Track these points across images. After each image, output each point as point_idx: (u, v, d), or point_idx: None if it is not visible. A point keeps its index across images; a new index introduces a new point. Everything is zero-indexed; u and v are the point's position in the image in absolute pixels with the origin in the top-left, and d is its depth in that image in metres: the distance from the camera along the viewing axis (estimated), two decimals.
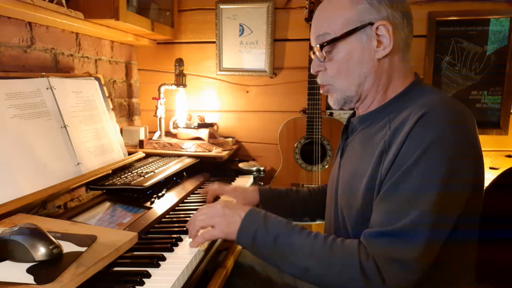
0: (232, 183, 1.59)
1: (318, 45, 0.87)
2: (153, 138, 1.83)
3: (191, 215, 1.01)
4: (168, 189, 1.37)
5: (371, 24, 0.83)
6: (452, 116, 0.76)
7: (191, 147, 1.75)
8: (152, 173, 1.38)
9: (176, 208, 1.25)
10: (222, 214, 0.89)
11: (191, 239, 0.97)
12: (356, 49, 0.85)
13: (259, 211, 0.88)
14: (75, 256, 0.74)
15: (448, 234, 0.77)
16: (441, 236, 0.75)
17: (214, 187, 1.25)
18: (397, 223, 0.73)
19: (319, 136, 1.78)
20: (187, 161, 1.61)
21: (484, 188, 0.87)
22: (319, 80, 0.94)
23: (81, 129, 1.30)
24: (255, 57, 1.98)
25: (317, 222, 1.21)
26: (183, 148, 1.74)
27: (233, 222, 0.86)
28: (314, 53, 0.90)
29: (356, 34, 0.84)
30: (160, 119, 1.86)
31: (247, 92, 2.05)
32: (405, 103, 0.84)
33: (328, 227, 1.03)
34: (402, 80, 0.88)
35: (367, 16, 0.83)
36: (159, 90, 1.85)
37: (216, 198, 1.31)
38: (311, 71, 0.94)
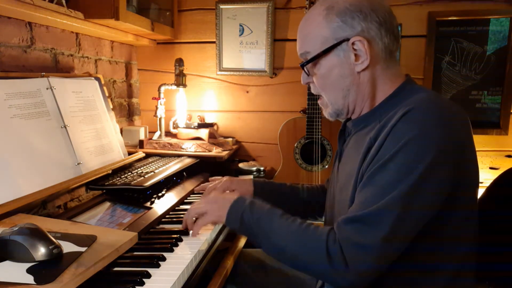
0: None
1: (300, 64, 0.92)
2: (153, 138, 1.83)
3: None
4: (168, 189, 1.37)
5: (347, 40, 0.85)
6: (436, 113, 0.77)
7: (191, 147, 1.75)
8: (152, 173, 1.38)
9: (176, 208, 1.25)
10: (214, 201, 0.98)
11: (190, 239, 0.99)
12: (335, 65, 0.88)
13: (247, 197, 0.95)
14: (75, 256, 0.74)
15: (441, 230, 0.78)
16: (407, 228, 0.75)
17: (209, 185, 1.22)
18: (365, 209, 0.75)
19: (319, 136, 1.78)
20: (187, 161, 1.61)
21: (482, 187, 0.86)
22: (312, 90, 0.98)
23: (81, 129, 1.30)
24: (255, 57, 1.98)
25: (319, 221, 1.21)
26: (183, 148, 1.74)
27: (223, 207, 0.93)
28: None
29: (333, 51, 0.87)
30: (160, 119, 1.86)
31: (247, 92, 2.05)
32: (395, 103, 0.85)
33: None
34: (389, 85, 0.89)
35: (342, 33, 0.85)
36: (159, 90, 1.86)
37: None
38: (302, 82, 0.98)
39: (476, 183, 0.84)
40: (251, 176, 1.73)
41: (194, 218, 1.01)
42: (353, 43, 0.85)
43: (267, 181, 1.24)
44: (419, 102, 0.79)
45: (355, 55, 0.86)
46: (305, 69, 0.92)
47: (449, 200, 0.76)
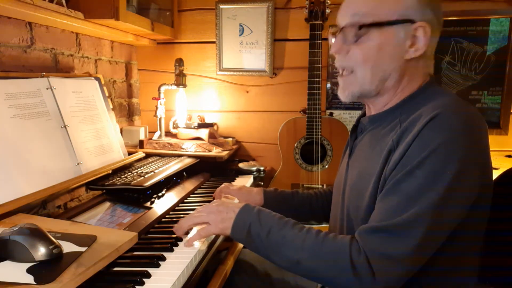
0: (232, 183, 1.59)
1: (355, 25, 0.82)
2: (153, 138, 1.83)
3: None
4: (168, 189, 1.37)
5: (412, 22, 0.81)
6: (463, 120, 0.75)
7: (191, 147, 1.75)
8: (152, 173, 1.38)
9: (176, 208, 1.25)
10: (216, 211, 0.92)
11: (188, 237, 0.98)
12: (389, 43, 0.82)
13: (253, 206, 0.90)
14: (75, 256, 0.74)
15: (452, 237, 0.76)
16: (436, 238, 0.74)
17: (221, 186, 1.26)
18: (393, 219, 0.73)
19: (319, 136, 1.78)
20: (187, 161, 1.61)
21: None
22: (338, 63, 0.89)
23: (81, 129, 1.30)
24: (255, 57, 1.98)
25: (323, 225, 1.21)
26: (183, 148, 1.74)
27: (227, 218, 0.89)
28: (340, 31, 0.86)
29: (395, 27, 0.81)
30: (160, 119, 1.86)
31: (247, 92, 2.05)
32: (417, 104, 0.83)
33: (333, 228, 1.03)
34: (418, 83, 0.87)
35: (412, 12, 0.81)
36: (159, 90, 1.86)
37: None
38: (332, 50, 0.89)
39: (491, 191, 0.82)
40: (251, 176, 1.73)
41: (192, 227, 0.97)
42: (416, 28, 0.81)
43: (278, 190, 1.20)
44: (445, 107, 0.76)
45: (412, 41, 0.82)
46: (350, 31, 0.83)
47: (470, 207, 0.75)
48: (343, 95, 0.90)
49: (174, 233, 1.00)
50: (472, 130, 0.75)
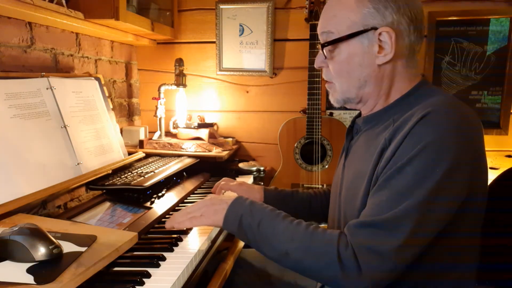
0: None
1: (320, 44, 0.88)
2: (153, 138, 1.83)
3: None
4: (168, 189, 1.37)
5: (375, 29, 0.82)
6: (455, 118, 0.75)
7: (191, 147, 1.75)
8: (152, 173, 1.38)
9: (176, 208, 1.25)
10: (209, 204, 0.93)
11: (190, 239, 0.98)
12: (357, 53, 0.85)
13: (246, 198, 0.91)
14: (75, 256, 0.74)
15: (450, 236, 0.77)
16: (424, 235, 0.74)
17: (222, 183, 1.25)
18: (382, 214, 0.74)
19: (319, 136, 1.78)
20: (187, 161, 1.61)
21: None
22: (323, 75, 0.95)
23: (81, 129, 1.30)
24: (255, 57, 1.98)
25: (323, 224, 1.21)
26: (183, 148, 1.74)
27: (220, 209, 0.90)
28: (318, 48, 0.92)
29: (358, 37, 0.84)
30: (160, 119, 1.86)
31: (247, 92, 2.05)
32: (410, 104, 0.83)
33: (331, 228, 1.03)
34: (407, 83, 0.88)
35: (371, 20, 0.82)
36: (159, 90, 1.86)
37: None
38: (315, 65, 0.95)
39: (486, 191, 0.82)
40: (251, 176, 1.73)
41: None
42: (380, 34, 0.82)
43: (278, 189, 1.20)
44: (438, 105, 0.76)
45: (379, 46, 0.83)
46: (324, 50, 0.88)
47: (461, 206, 0.75)
48: (332, 100, 0.96)
49: (174, 233, 1.01)
50: (464, 129, 0.75)
